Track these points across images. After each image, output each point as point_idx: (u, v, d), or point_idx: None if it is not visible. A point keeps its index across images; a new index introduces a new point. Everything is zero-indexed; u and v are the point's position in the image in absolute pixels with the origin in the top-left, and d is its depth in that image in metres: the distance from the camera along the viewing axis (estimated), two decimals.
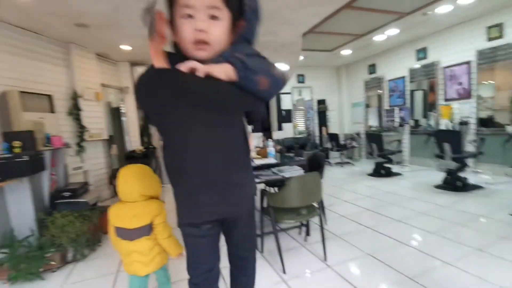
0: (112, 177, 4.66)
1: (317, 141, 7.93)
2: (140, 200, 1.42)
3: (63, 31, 3.96)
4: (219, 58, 0.78)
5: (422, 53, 5.78)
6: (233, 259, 1.25)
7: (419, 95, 6.09)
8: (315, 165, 2.94)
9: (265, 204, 2.25)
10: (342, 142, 6.83)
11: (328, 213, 3.35)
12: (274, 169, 2.78)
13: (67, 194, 2.79)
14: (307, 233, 2.71)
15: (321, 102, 7.92)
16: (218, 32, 0.81)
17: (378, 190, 4.36)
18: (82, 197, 2.92)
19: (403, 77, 6.26)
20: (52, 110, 3.75)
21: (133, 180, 1.40)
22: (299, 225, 2.86)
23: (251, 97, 0.78)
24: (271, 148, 3.00)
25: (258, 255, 2.39)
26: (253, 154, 3.05)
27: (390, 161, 5.35)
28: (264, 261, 2.32)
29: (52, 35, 4.10)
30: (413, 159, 6.14)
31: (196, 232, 1.06)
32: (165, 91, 0.82)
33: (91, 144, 4.82)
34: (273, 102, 6.95)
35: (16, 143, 2.40)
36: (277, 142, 6.82)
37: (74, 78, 4.55)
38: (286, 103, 7.29)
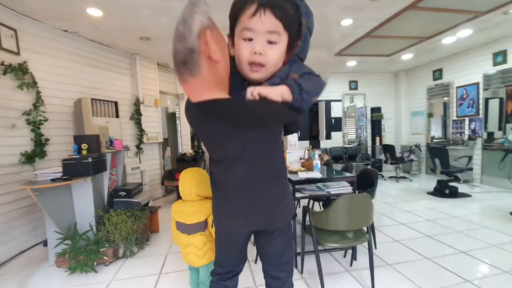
0: (165, 177, 4.98)
1: (369, 151, 7.39)
2: (196, 199, 1.62)
3: (129, 44, 4.40)
4: (276, 79, 0.79)
5: (500, 56, 4.96)
6: (267, 278, 1.25)
7: (494, 104, 5.22)
8: (367, 183, 2.70)
9: (307, 221, 2.12)
10: (398, 154, 6.23)
11: (379, 235, 3.04)
12: (320, 184, 2.63)
13: (123, 193, 3.04)
14: (353, 257, 2.48)
15: (376, 110, 7.36)
16: (275, 55, 0.80)
17: (440, 213, 3.83)
18: (135, 197, 3.15)
19: (475, 84, 5.45)
20: (116, 115, 4.16)
21: (191, 182, 1.59)
22: (344, 247, 2.64)
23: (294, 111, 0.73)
24: (317, 161, 2.85)
25: (297, 275, 2.27)
26: (295, 166, 2.93)
27: (456, 179, 4.68)
28: (303, 284, 2.19)
29: (120, 48, 4.58)
30: (485, 179, 5.28)
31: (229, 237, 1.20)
32: (213, 118, 0.81)
33: (148, 146, 5.23)
34: (322, 109, 6.70)
35: (84, 146, 2.70)
36: (325, 151, 6.53)
37: (137, 86, 5.01)
38: (336, 110, 6.95)
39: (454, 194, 4.53)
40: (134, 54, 4.94)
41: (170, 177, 4.97)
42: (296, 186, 2.48)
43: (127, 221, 2.72)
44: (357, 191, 2.52)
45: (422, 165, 6.77)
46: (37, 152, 3.26)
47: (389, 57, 5.77)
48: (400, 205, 4.30)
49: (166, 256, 2.84)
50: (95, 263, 2.41)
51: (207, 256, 1.64)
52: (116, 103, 4.18)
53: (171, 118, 6.52)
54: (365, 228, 2.05)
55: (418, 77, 6.90)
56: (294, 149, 3.61)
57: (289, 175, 2.69)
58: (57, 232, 2.47)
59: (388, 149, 6.10)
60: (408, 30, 4.29)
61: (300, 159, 3.18)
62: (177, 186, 5.23)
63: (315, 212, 1.95)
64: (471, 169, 5.16)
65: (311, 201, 3.68)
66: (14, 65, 3.04)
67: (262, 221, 1.07)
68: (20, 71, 3.12)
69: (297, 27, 0.80)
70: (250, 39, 0.77)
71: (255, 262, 2.56)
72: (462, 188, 4.82)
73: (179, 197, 5.41)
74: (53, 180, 2.43)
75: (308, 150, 3.34)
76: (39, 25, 3.45)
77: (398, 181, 6.02)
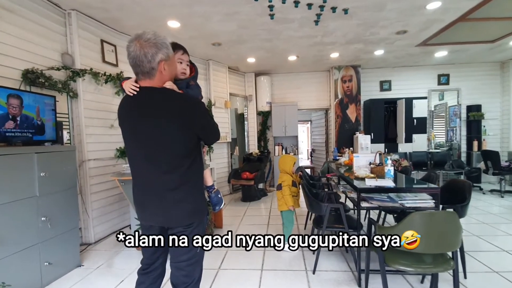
0: (231, 176, 5.22)
1: (464, 158, 6.20)
2: (282, 172, 2.99)
3: (204, 50, 4.76)
4: (184, 82, 1.44)
5: None
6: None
7: None
8: (457, 197, 2.24)
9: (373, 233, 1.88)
10: (504, 163, 5.02)
11: (471, 262, 2.48)
12: (392, 194, 2.31)
13: None
14: (434, 286, 2.08)
15: (474, 109, 6.12)
16: (188, 71, 1.49)
17: None
18: None
19: None
20: None
21: (280, 162, 3.03)
22: (419, 272, 2.25)
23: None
24: (389, 167, 2.51)
25: None
26: (363, 172, 2.64)
27: None
28: None
29: (196, 55, 5.01)
30: None
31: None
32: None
33: (218, 146, 5.58)
34: (401, 108, 5.93)
35: None
36: (404, 156, 5.77)
37: (210, 89, 5.39)
38: (420, 109, 6.02)
39: None
40: (208, 59, 5.33)
41: (236, 176, 5.18)
42: (362, 195, 2.23)
43: None
44: (440, 206, 2.11)
45: None
46: None
47: (493, 44, 4.70)
48: (505, 227, 3.45)
49: (226, 252, 2.95)
50: None
51: (281, 205, 2.91)
52: None
53: (239, 119, 6.80)
54: (450, 253, 1.69)
55: None
56: (364, 152, 3.28)
57: (355, 182, 2.45)
58: (136, 218, 2.83)
59: (490, 156, 4.98)
60: None
61: (370, 164, 2.86)
62: (243, 185, 5.43)
63: (382, 227, 1.70)
64: None
65: (382, 212, 3.29)
66: (113, 75, 3.63)
67: (158, 219, 1.30)
68: (118, 80, 3.70)
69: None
70: (181, 62, 1.44)
71: (313, 273, 2.42)
72: None
73: (244, 196, 5.58)
74: None
75: (379, 154, 2.98)
76: None
77: (502, 196, 4.86)
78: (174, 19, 3.51)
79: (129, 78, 1.30)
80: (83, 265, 2.76)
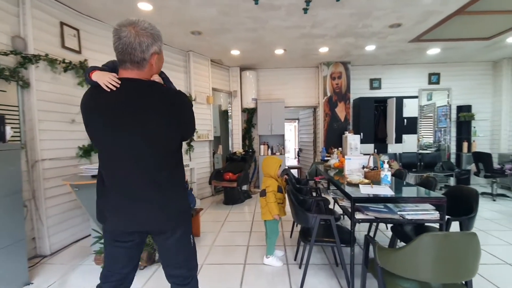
0: (212, 177, 4.83)
1: (454, 159, 6.07)
2: (266, 176, 2.61)
3: (183, 39, 4.34)
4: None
5: None
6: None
7: None
8: (461, 206, 1.96)
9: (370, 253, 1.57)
10: (497, 165, 4.89)
11: (476, 279, 2.22)
12: (390, 203, 2.00)
13: None
14: None
15: (464, 109, 5.99)
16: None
17: None
18: None
19: None
20: None
21: (264, 165, 2.62)
22: None
23: None
24: (386, 172, 2.21)
25: None
26: (356, 177, 2.33)
27: None
28: None
29: (175, 45, 4.57)
30: None
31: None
32: None
33: (199, 144, 5.17)
34: (392, 107, 5.71)
35: None
36: (393, 157, 5.56)
37: (190, 83, 4.98)
38: (410, 108, 5.81)
39: None
40: (188, 51, 4.90)
41: (218, 177, 4.80)
42: (356, 204, 1.91)
43: None
44: (446, 218, 1.82)
45: None
46: (93, 146, 3.38)
47: (489, 41, 4.52)
48: (499, 233, 3.25)
49: (202, 265, 2.58)
50: None
51: (265, 214, 2.54)
52: None
53: (223, 116, 6.41)
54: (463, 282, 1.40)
55: None
56: (355, 154, 2.98)
57: (347, 188, 2.13)
58: (94, 230, 2.42)
59: (483, 158, 4.82)
60: None
61: (363, 167, 2.56)
62: (225, 187, 5.05)
63: (384, 248, 1.38)
64: None
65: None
66: (75, 63, 3.17)
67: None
68: (81, 69, 3.25)
69: None
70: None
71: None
72: None
73: (227, 198, 5.21)
74: (93, 177, 2.37)
75: (373, 156, 2.69)
76: (100, 24, 3.57)
77: (494, 200, 4.72)
78: (145, 1, 3.09)
79: (96, 67, 1.18)
80: (32, 283, 2.34)
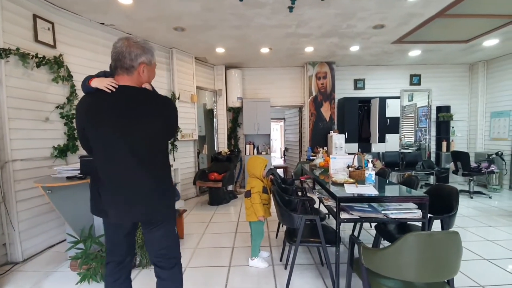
0: (197, 177, 4.73)
1: (433, 158, 6.26)
2: (251, 176, 2.53)
3: (166, 36, 4.21)
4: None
5: None
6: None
7: None
8: (442, 205, 1.99)
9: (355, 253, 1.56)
10: (474, 164, 5.07)
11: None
12: (374, 203, 2.01)
13: None
14: None
15: (443, 109, 6.20)
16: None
17: None
18: None
19: None
20: None
21: (249, 165, 2.54)
22: None
23: None
24: (370, 172, 2.22)
25: None
26: (341, 176, 2.33)
27: None
28: None
29: (157, 41, 4.44)
30: None
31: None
32: None
33: (183, 144, 5.05)
34: (375, 107, 5.82)
35: None
36: (377, 156, 5.67)
37: (173, 81, 4.85)
38: (393, 109, 5.94)
39: None
40: (171, 47, 4.78)
41: (202, 177, 4.71)
42: (341, 204, 1.90)
43: None
44: (428, 216, 1.85)
45: (505, 179, 5.47)
46: (69, 146, 3.22)
47: (467, 44, 4.69)
48: (476, 229, 3.36)
49: (185, 268, 2.50)
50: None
51: (250, 216, 2.48)
52: None
53: (208, 115, 6.31)
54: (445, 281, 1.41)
55: (503, 69, 5.57)
56: (340, 153, 2.99)
57: (332, 188, 2.12)
58: (70, 235, 2.29)
59: (460, 157, 5.00)
60: (501, 4, 3.30)
61: (348, 166, 2.57)
62: (210, 187, 4.96)
63: (368, 248, 1.37)
64: None
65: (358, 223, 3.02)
66: (49, 58, 3.00)
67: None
68: (56, 64, 3.08)
69: None
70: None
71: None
72: None
73: (212, 199, 5.11)
74: (68, 178, 2.24)
75: (358, 155, 2.71)
76: (77, 18, 3.40)
77: (472, 197, 4.90)
78: None
79: (92, 76, 1.32)
80: None
